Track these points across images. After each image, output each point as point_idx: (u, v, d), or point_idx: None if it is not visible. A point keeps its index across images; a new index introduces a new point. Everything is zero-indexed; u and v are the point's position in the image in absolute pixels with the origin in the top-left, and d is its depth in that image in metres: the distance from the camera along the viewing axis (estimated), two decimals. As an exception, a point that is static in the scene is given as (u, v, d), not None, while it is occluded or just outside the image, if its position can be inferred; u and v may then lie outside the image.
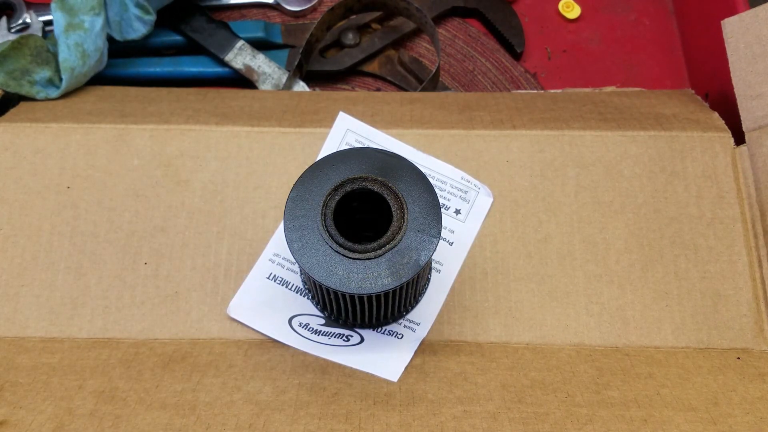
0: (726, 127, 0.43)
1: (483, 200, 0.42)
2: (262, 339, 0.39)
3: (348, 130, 0.43)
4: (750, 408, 0.34)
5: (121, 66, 0.52)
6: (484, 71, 0.55)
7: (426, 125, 0.44)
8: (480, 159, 0.43)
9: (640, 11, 0.58)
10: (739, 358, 0.38)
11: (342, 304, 0.36)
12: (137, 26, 0.50)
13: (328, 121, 0.44)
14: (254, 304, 0.39)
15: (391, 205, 0.33)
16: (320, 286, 0.34)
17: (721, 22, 0.43)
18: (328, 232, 0.33)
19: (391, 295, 0.35)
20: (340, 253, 0.32)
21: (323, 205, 0.33)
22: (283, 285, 0.40)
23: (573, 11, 0.58)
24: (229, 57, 0.52)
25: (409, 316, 0.39)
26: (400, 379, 0.36)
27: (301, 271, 0.39)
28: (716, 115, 0.44)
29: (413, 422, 0.33)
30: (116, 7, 0.49)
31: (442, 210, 0.42)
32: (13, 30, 0.53)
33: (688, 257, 0.40)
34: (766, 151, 0.41)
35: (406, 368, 0.37)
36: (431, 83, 0.51)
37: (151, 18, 0.50)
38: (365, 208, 0.36)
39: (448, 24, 0.57)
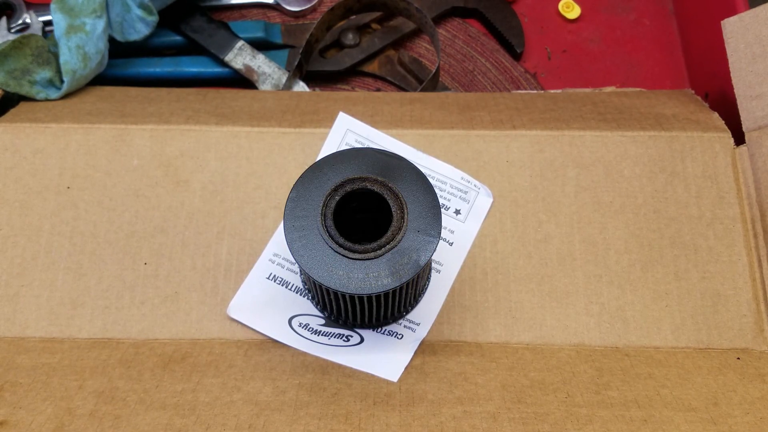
0: (726, 127, 0.43)
1: (483, 200, 0.42)
2: (262, 339, 0.39)
3: (348, 131, 0.43)
4: (750, 408, 0.34)
5: (121, 66, 0.52)
6: (484, 71, 0.55)
7: (426, 125, 0.44)
8: (480, 159, 0.43)
9: (640, 11, 0.58)
10: (739, 358, 0.38)
11: (342, 304, 0.36)
12: (140, 27, 0.50)
13: (328, 122, 0.44)
14: (254, 304, 0.39)
15: (391, 205, 0.33)
16: (320, 286, 0.34)
17: (721, 22, 0.43)
18: (328, 232, 0.33)
19: (391, 295, 0.35)
20: (340, 254, 0.32)
21: (323, 206, 0.33)
22: (283, 285, 0.40)
23: (573, 11, 0.58)
24: (229, 57, 0.52)
25: (409, 317, 0.39)
26: (400, 379, 0.36)
27: (301, 271, 0.39)
28: (716, 115, 0.44)
29: (413, 422, 0.33)
30: (118, 8, 0.49)
31: (442, 210, 0.42)
32: (13, 30, 0.53)
33: (688, 257, 0.40)
34: (766, 151, 0.41)
35: (406, 368, 0.37)
36: (431, 83, 0.51)
37: (154, 19, 0.50)
38: (365, 209, 0.36)
39: (448, 24, 0.57)
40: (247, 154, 0.43)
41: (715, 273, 0.40)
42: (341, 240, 0.33)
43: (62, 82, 0.46)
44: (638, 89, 0.50)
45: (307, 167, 0.34)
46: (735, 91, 0.43)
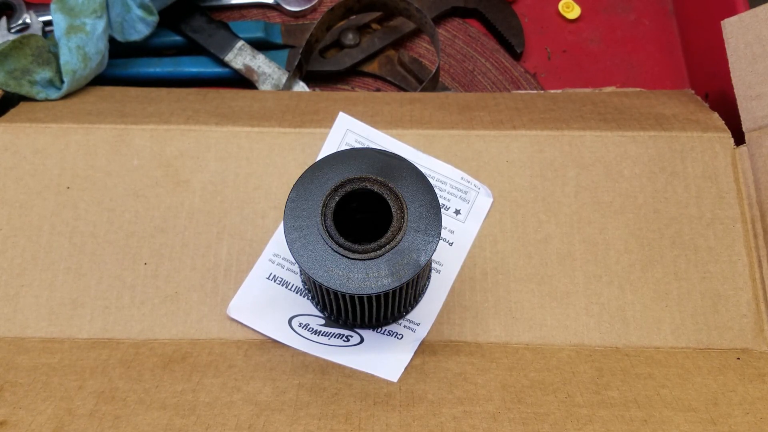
0: (726, 127, 0.43)
1: (483, 200, 0.42)
2: (262, 339, 0.39)
3: (348, 131, 0.43)
4: (750, 408, 0.34)
5: (121, 66, 0.52)
6: (484, 71, 0.55)
7: (426, 125, 0.44)
8: (480, 159, 0.43)
9: (640, 11, 0.58)
10: (739, 358, 0.38)
11: (342, 305, 0.36)
12: (140, 27, 0.50)
13: (328, 122, 0.44)
14: (254, 304, 0.39)
15: (391, 205, 0.33)
16: (320, 286, 0.34)
17: (721, 22, 0.43)
18: (328, 232, 0.33)
19: (391, 296, 0.35)
20: (340, 254, 0.32)
21: (323, 206, 0.33)
22: (283, 285, 0.40)
23: (573, 11, 0.58)
24: (229, 57, 0.52)
25: (409, 317, 0.39)
26: (400, 380, 0.36)
27: (301, 271, 0.39)
28: (716, 115, 0.44)
29: (413, 422, 0.33)
30: (118, 8, 0.49)
31: (442, 210, 0.42)
32: (12, 30, 0.53)
33: (688, 257, 0.40)
34: (766, 151, 0.41)
35: (406, 368, 0.37)
36: (431, 83, 0.51)
37: (154, 19, 0.50)
38: (365, 209, 0.36)
39: (448, 24, 0.57)
40: (247, 154, 0.43)
41: (715, 273, 0.40)
42: (341, 240, 0.33)
43: (62, 82, 0.46)
44: (638, 89, 0.50)
45: (307, 167, 0.34)
46: (735, 91, 0.43)
